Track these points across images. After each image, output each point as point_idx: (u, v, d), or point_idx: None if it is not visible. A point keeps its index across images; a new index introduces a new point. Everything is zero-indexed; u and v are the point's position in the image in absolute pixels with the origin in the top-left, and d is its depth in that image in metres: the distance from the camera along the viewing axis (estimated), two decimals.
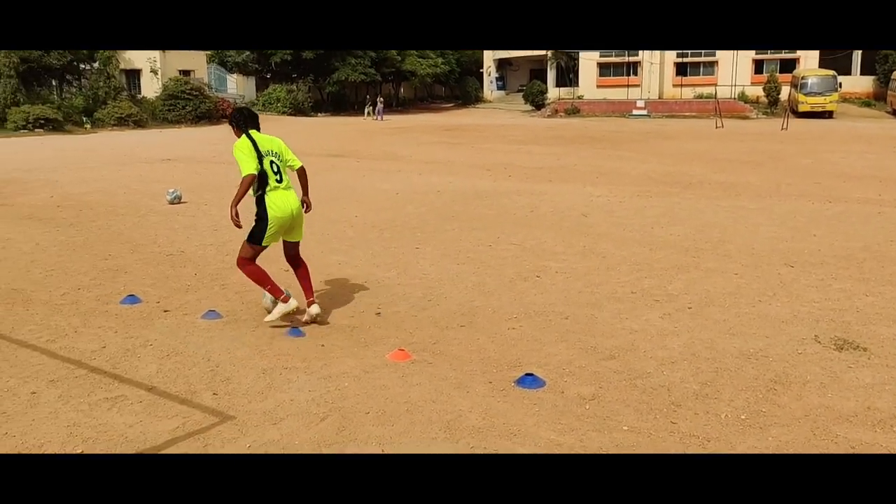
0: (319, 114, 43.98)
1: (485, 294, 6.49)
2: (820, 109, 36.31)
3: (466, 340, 5.34)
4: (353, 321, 5.81)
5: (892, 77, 38.22)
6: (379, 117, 42.02)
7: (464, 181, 14.04)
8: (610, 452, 3.68)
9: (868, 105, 40.89)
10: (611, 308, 6.04)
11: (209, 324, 5.69)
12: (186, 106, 32.62)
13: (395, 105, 56.58)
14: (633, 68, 47.01)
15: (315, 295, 5.85)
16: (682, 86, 44.54)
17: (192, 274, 7.18)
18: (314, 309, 5.69)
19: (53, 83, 33.01)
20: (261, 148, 5.53)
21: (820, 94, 36.52)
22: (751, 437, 3.83)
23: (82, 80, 34.14)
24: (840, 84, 37.37)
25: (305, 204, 6.00)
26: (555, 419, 4.05)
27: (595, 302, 6.21)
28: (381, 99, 44.00)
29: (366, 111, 43.46)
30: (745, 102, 40.71)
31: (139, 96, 34.91)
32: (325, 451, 3.67)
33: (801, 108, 36.13)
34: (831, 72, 37.80)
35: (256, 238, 5.68)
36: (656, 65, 46.32)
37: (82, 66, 33.66)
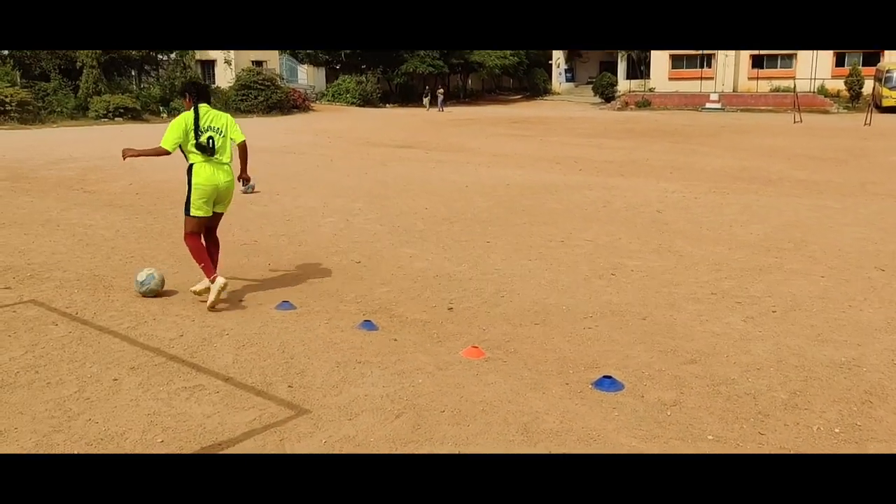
0: (387, 105, 44.24)
1: (558, 291, 6.35)
2: None
3: (541, 339, 5.23)
4: (425, 316, 5.76)
5: None
6: (440, 108, 41.99)
7: (533, 174, 13.86)
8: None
9: None
10: (690, 309, 5.83)
11: (283, 314, 5.72)
12: (258, 96, 33.22)
13: (463, 96, 56.50)
14: (706, 60, 45.75)
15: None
16: (758, 78, 43.16)
17: (265, 264, 7.26)
18: (219, 282, 5.75)
19: (133, 73, 34.08)
20: (202, 122, 5.78)
21: None
22: (847, 453, 3.61)
23: (160, 71, 35.14)
24: None
25: (243, 179, 6.29)
26: (635, 425, 3.90)
27: (673, 302, 6.00)
28: (442, 90, 43.95)
29: (424, 102, 43.48)
30: (826, 96, 39.15)
31: (213, 86, 35.74)
32: (400, 449, 3.62)
33: (886, 103, 34.49)
34: None
35: (187, 208, 5.95)
36: (731, 57, 44.97)
37: (160, 56, 34.64)
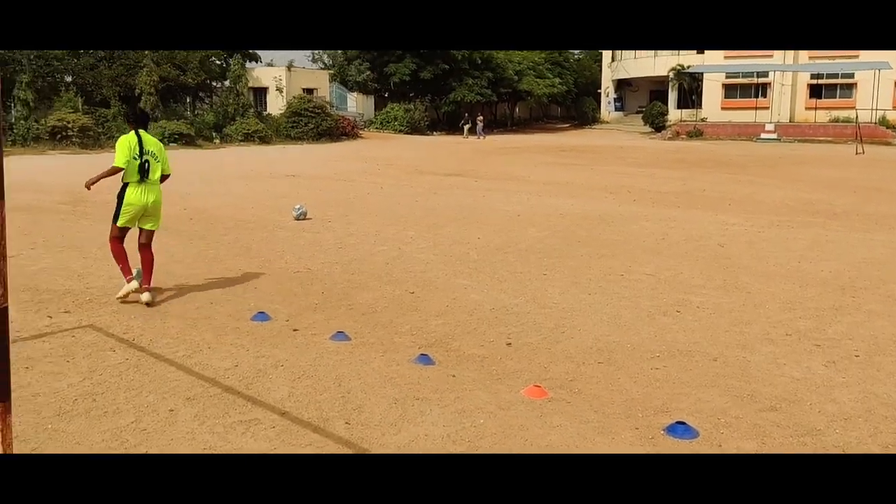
0: (434, 132, 44.47)
1: (621, 328, 6.10)
2: None
3: (606, 379, 4.98)
4: (483, 351, 5.57)
5: None
6: (480, 136, 41.99)
7: (586, 204, 13.62)
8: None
9: None
10: (764, 351, 5.52)
11: (338, 346, 5.58)
12: (308, 123, 33.64)
13: (510, 125, 56.55)
14: (762, 90, 45.01)
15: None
16: (816, 108, 42.25)
17: (319, 292, 7.16)
18: (145, 296, 6.51)
19: (188, 100, 34.88)
20: (144, 146, 6.53)
21: None
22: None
23: (213, 98, 35.90)
24: None
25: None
26: None
27: (745, 343, 5.70)
28: (482, 118, 44.02)
29: (465, 130, 43.47)
30: (887, 128, 38.07)
31: (265, 113, 36.34)
32: None
33: None
34: None
35: (115, 218, 6.68)
36: (788, 86, 44.16)
37: (215, 84, 35.42)
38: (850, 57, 43.27)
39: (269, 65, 40.88)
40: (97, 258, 8.32)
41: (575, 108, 61.04)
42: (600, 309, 6.66)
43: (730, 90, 46.93)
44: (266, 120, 33.98)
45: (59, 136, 24.72)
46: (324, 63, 48.49)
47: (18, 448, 3.23)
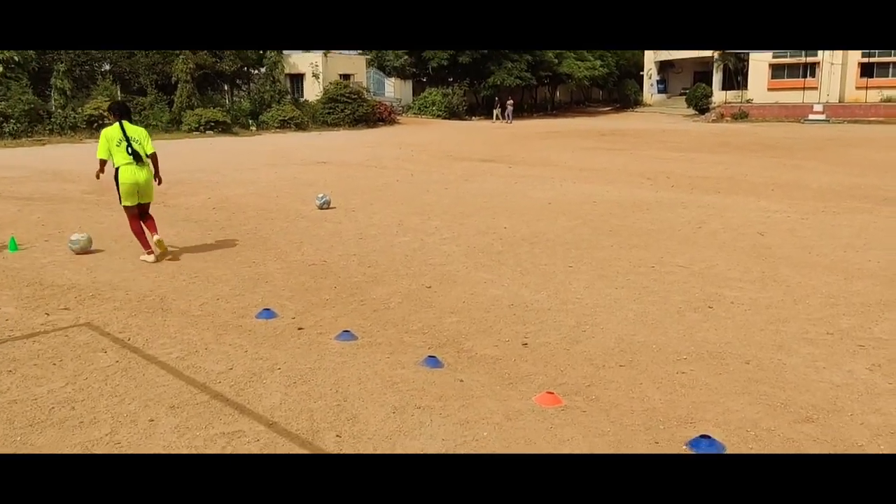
0: (473, 117, 43.94)
1: (648, 327, 5.67)
2: None
3: (626, 385, 4.58)
4: (496, 351, 5.20)
5: None
6: (508, 120, 41.56)
7: (622, 191, 13.09)
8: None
9: None
10: (802, 353, 5.04)
11: (342, 346, 5.27)
12: (345, 109, 33.42)
13: (550, 109, 55.72)
14: (810, 69, 43.44)
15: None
16: (867, 88, 40.61)
17: (331, 286, 6.86)
18: (155, 238, 7.77)
19: (225, 88, 34.95)
20: (128, 134, 7.54)
21: None
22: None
23: (250, 85, 35.92)
24: None
25: (158, 178, 7.92)
26: None
27: (782, 343, 5.23)
28: (511, 102, 43.49)
29: (494, 115, 43.14)
30: None
31: (301, 100, 36.23)
32: None
33: None
34: None
35: (120, 199, 7.74)
36: (838, 65, 42.52)
37: (251, 71, 35.44)
38: None
39: (307, 51, 40.72)
40: (110, 251, 8.15)
41: (617, 90, 59.86)
42: (626, 305, 6.23)
43: (777, 70, 45.38)
44: (302, 106, 33.86)
45: (96, 124, 24.89)
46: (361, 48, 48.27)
47: None
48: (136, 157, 7.56)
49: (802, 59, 43.87)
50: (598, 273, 7.28)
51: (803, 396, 4.34)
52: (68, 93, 25.72)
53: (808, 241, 8.67)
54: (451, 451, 3.70)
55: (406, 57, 44.08)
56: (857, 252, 8.04)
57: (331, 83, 35.26)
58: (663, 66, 57.87)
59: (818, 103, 39.63)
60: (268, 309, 6.03)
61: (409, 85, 47.33)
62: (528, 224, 9.93)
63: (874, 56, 42.31)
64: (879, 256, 7.80)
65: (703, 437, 3.81)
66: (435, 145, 24.73)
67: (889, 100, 39.21)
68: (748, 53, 45.50)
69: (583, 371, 4.83)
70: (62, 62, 26.79)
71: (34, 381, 4.57)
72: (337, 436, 3.87)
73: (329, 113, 33.36)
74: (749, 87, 45.72)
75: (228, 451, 3.69)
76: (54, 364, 4.84)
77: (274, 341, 5.37)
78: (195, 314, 5.98)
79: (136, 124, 8.10)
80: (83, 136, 24.35)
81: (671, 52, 54.83)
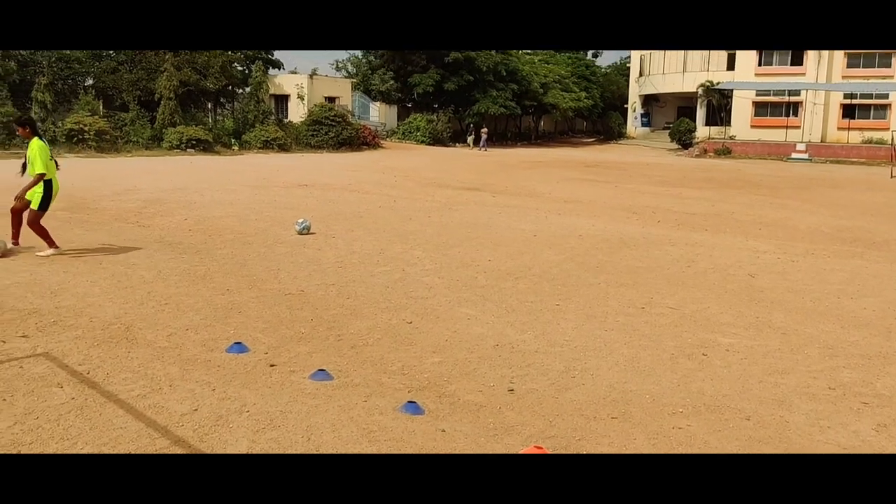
0: (457, 144, 43.90)
1: (640, 374, 5.39)
2: None
3: (620, 439, 4.29)
4: (481, 398, 4.89)
5: None
6: (483, 148, 41.64)
7: (608, 225, 12.89)
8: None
9: None
10: (804, 409, 4.79)
11: (317, 386, 4.94)
12: (329, 132, 33.18)
13: (534, 138, 55.90)
14: (793, 108, 43.93)
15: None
16: (849, 129, 41.11)
17: (308, 318, 6.52)
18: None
19: (209, 106, 34.61)
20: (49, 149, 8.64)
21: None
22: None
23: (234, 104, 35.62)
24: None
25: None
26: None
27: (782, 398, 4.97)
28: (486, 130, 43.60)
29: (468, 140, 43.23)
30: None
31: (286, 121, 35.94)
32: None
33: None
34: None
35: (44, 206, 8.54)
36: (820, 105, 43.05)
37: (236, 90, 35.16)
38: (884, 77, 42.06)
39: (293, 72, 40.53)
40: (77, 272, 7.76)
41: (601, 122, 60.28)
42: (617, 349, 5.96)
43: (760, 108, 45.85)
44: (286, 127, 33.54)
45: (76, 138, 24.44)
46: (347, 72, 48.15)
47: None
48: (57, 167, 8.75)
49: (786, 98, 44.39)
50: (587, 312, 7.01)
51: None
52: (49, 106, 25.27)
53: (800, 284, 8.48)
54: None
55: (392, 82, 44.05)
56: (851, 299, 7.84)
57: (316, 105, 35.04)
58: (647, 100, 58.35)
59: (801, 142, 39.99)
60: (239, 342, 5.69)
61: (394, 110, 47.25)
62: (513, 257, 9.66)
63: (856, 98, 42.89)
64: (874, 304, 7.61)
65: None
66: (419, 171, 24.52)
67: (870, 141, 39.69)
68: (732, 91, 45.96)
69: (573, 422, 4.54)
70: (44, 75, 26.37)
71: None
72: None
73: (313, 135, 33.11)
74: (732, 123, 46.13)
75: None
76: (4, 400, 4.46)
77: (244, 379, 5.03)
78: (162, 345, 5.62)
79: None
80: (62, 151, 23.88)
81: (655, 86, 55.33)
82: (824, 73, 43.44)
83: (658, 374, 5.40)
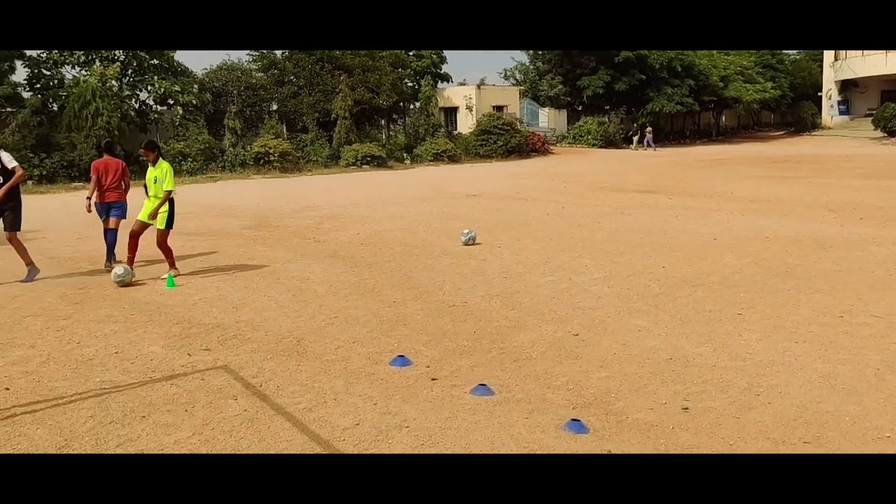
0: (630, 146, 42.57)
1: (838, 392, 4.77)
2: None
3: None
4: (651, 416, 4.53)
5: None
6: (651, 147, 39.84)
7: (799, 225, 11.81)
8: None
9: None
10: None
11: (477, 402, 4.81)
12: (498, 140, 33.33)
13: (715, 134, 53.07)
14: None
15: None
16: None
17: (471, 331, 6.43)
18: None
19: (381, 122, 35.99)
20: None
21: None
22: None
23: (405, 119, 36.78)
24: None
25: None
26: None
27: None
28: (650, 129, 41.60)
29: (634, 142, 41.44)
30: None
31: (455, 132, 36.58)
32: None
33: None
34: None
35: (171, 224, 8.84)
36: None
37: (408, 105, 36.30)
38: None
39: (461, 84, 41.21)
40: (257, 288, 8.20)
41: (791, 113, 55.95)
42: (809, 363, 5.33)
43: None
44: (456, 139, 34.11)
45: (262, 161, 26.30)
46: (515, 79, 48.20)
47: None
48: None
49: None
50: (774, 323, 6.37)
51: None
52: (239, 132, 27.38)
53: None
54: None
55: (560, 86, 43.54)
56: None
57: (484, 115, 35.34)
58: (845, 86, 53.47)
59: None
60: (402, 356, 5.69)
61: (563, 114, 46.66)
62: (690, 263, 9.05)
63: None
64: None
65: None
66: (589, 176, 23.95)
67: None
68: None
69: (757, 447, 4.08)
70: (234, 103, 28.64)
71: (164, 428, 4.45)
72: None
73: (482, 144, 33.41)
74: None
75: None
76: (186, 411, 4.72)
77: (405, 393, 5.00)
78: (329, 358, 5.74)
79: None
80: (250, 173, 25.78)
81: (854, 69, 50.62)
82: None
83: (859, 392, 4.75)
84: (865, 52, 48.49)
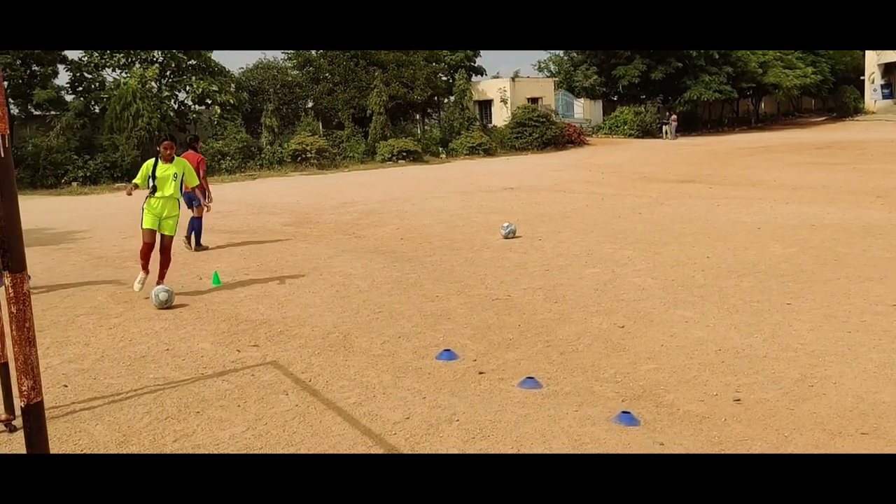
0: (663, 136, 42.00)
1: (894, 383, 4.67)
2: None
3: None
4: (702, 408, 4.50)
5: None
6: (674, 136, 39.26)
7: (846, 212, 11.56)
8: None
9: None
10: None
11: (525, 395, 4.82)
12: (533, 133, 33.13)
13: (754, 122, 52.15)
14: None
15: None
16: None
17: (516, 324, 6.43)
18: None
19: (416, 117, 36.01)
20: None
21: None
22: None
23: (440, 113, 36.75)
24: None
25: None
26: None
27: None
28: (675, 117, 40.92)
29: (665, 130, 40.83)
30: None
31: (490, 125, 36.45)
32: None
33: None
34: None
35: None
36: None
37: (442, 99, 36.25)
38: None
39: (495, 77, 41.04)
40: (301, 284, 8.29)
41: (832, 99, 54.68)
42: (864, 353, 5.23)
43: None
44: (491, 132, 33.99)
45: (300, 158, 26.50)
46: (549, 71, 47.83)
47: None
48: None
49: None
50: (825, 312, 6.26)
51: None
52: (276, 130, 27.62)
53: None
54: None
55: (595, 77, 43.10)
56: None
57: (519, 107, 35.15)
58: (889, 69, 52.08)
59: None
60: (448, 350, 5.72)
61: (599, 105, 46.17)
62: (735, 253, 8.93)
63: None
64: None
65: None
66: (627, 166, 23.72)
67: None
68: None
69: (812, 438, 4.02)
70: (271, 101, 28.92)
71: (218, 423, 4.54)
72: None
73: (517, 137, 33.24)
74: None
75: None
76: (238, 406, 4.81)
77: (453, 387, 5.03)
78: (376, 353, 5.80)
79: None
80: (288, 170, 26.01)
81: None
82: None
83: None
84: None
